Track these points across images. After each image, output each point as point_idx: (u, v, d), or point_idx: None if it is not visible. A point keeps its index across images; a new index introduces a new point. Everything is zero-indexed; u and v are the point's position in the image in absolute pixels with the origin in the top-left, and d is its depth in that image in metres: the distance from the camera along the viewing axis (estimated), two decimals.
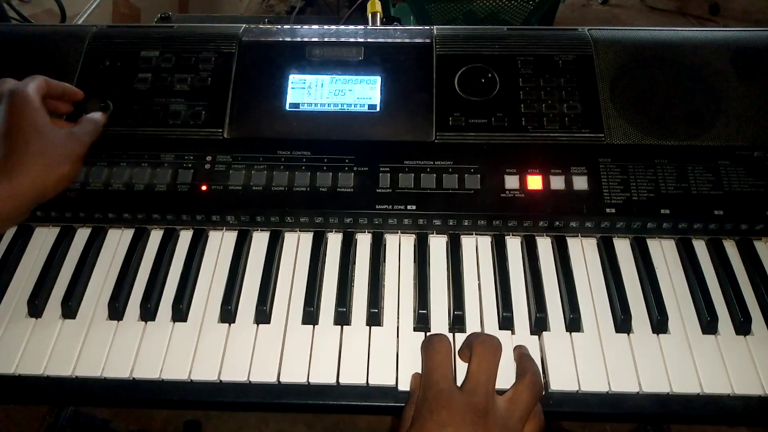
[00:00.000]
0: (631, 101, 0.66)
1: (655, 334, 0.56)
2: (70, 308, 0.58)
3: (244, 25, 0.73)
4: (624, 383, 0.53)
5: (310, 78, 0.68)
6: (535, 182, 0.62)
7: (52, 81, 0.63)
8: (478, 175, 0.62)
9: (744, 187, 0.61)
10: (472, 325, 0.57)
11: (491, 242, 0.63)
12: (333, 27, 0.73)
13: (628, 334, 0.56)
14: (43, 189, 0.57)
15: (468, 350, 0.51)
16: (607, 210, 0.61)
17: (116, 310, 0.58)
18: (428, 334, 0.55)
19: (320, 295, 0.59)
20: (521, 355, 0.53)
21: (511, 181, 0.62)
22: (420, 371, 0.53)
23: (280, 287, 0.60)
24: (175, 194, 0.62)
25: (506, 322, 0.57)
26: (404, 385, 0.53)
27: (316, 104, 0.67)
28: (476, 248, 0.63)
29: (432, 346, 0.50)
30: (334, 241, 0.64)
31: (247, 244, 0.63)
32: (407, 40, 0.71)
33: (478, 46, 0.70)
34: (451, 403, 0.45)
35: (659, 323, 0.56)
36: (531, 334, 0.57)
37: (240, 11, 2.58)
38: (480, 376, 0.47)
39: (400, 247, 0.63)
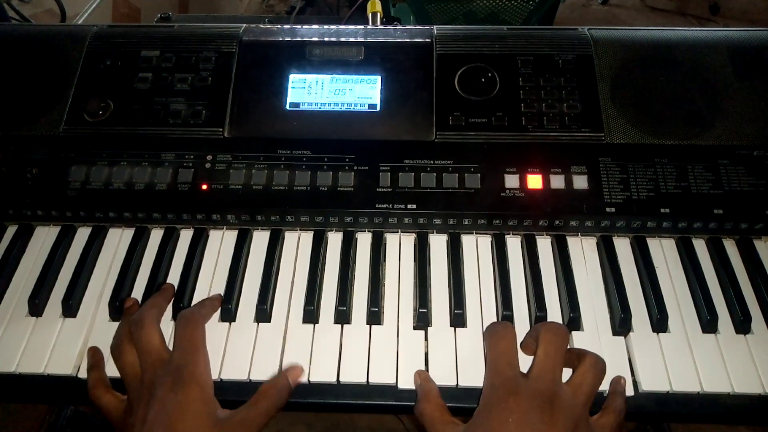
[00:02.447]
0: (631, 101, 0.66)
1: (655, 333, 0.56)
2: (70, 307, 0.58)
3: (245, 25, 0.73)
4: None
5: (310, 77, 0.68)
6: (535, 181, 0.62)
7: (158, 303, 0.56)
8: (478, 175, 0.62)
9: (744, 187, 0.61)
10: (472, 324, 0.57)
11: (491, 241, 0.63)
12: (333, 27, 0.73)
13: (628, 334, 0.56)
14: None
15: (533, 341, 0.51)
16: (607, 209, 0.61)
17: (117, 309, 0.58)
18: (491, 322, 0.55)
19: (320, 294, 0.59)
20: (574, 349, 0.53)
21: (511, 181, 0.62)
22: (419, 369, 0.53)
23: (281, 286, 0.60)
24: (176, 193, 0.62)
25: (506, 321, 0.57)
26: (404, 384, 0.53)
27: (316, 104, 0.67)
28: (476, 247, 0.63)
29: (497, 333, 0.51)
30: (335, 240, 0.64)
31: (248, 244, 0.63)
32: (407, 40, 0.71)
33: (478, 46, 0.70)
34: (518, 389, 0.46)
35: (659, 322, 0.56)
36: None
37: (240, 11, 2.58)
38: (547, 363, 0.48)
39: (400, 246, 0.63)
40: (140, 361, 0.51)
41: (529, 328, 0.57)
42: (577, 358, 0.51)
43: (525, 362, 0.51)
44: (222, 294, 0.59)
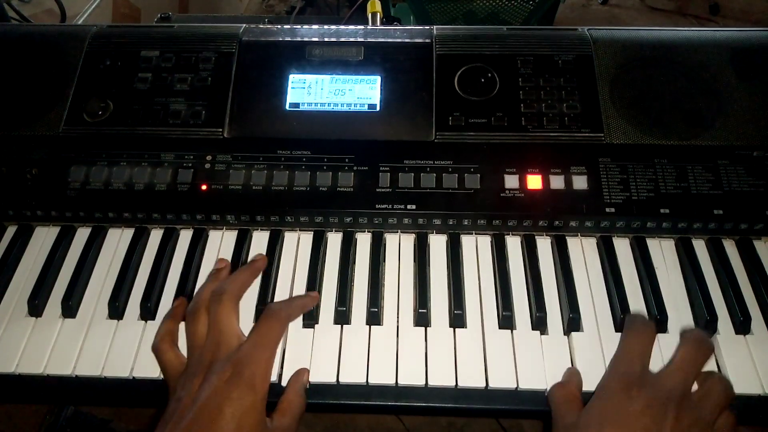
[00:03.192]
0: (630, 101, 0.66)
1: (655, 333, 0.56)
2: (70, 307, 0.58)
3: (244, 25, 0.73)
4: None
5: (310, 78, 0.68)
6: (534, 182, 0.62)
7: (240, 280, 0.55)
8: (478, 175, 0.62)
9: (743, 187, 0.61)
10: (471, 325, 0.57)
11: (491, 242, 0.63)
12: (333, 27, 0.73)
13: None
14: None
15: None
16: (607, 209, 0.61)
17: (116, 309, 0.58)
18: (636, 316, 0.54)
19: (320, 294, 0.59)
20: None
21: (511, 181, 0.62)
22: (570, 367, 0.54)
23: (280, 287, 0.60)
24: (175, 194, 0.62)
25: (506, 322, 0.57)
26: (404, 381, 0.53)
27: (316, 104, 0.67)
28: (476, 247, 0.63)
29: (637, 327, 0.51)
30: (334, 240, 0.64)
31: (247, 244, 0.63)
32: (407, 40, 0.71)
33: (478, 46, 0.70)
34: (644, 382, 0.46)
35: (659, 322, 0.56)
36: (532, 328, 0.57)
37: (240, 11, 2.58)
38: (683, 366, 0.47)
39: (400, 246, 0.63)
40: (208, 335, 0.50)
41: (529, 330, 0.57)
42: (703, 375, 0.50)
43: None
44: (317, 293, 0.58)
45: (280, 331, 0.51)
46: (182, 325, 0.55)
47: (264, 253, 0.62)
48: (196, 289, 0.60)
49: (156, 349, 0.53)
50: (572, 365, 0.54)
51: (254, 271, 0.58)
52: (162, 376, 0.54)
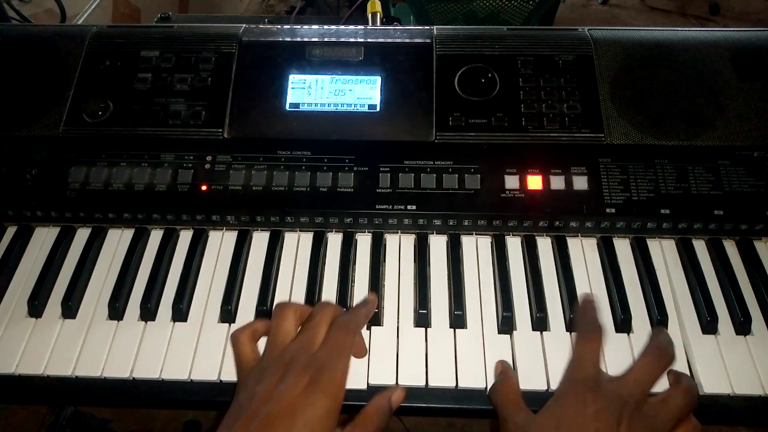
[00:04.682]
0: (631, 101, 0.66)
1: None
2: (70, 308, 0.58)
3: (244, 25, 0.73)
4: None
5: (310, 78, 0.68)
6: (535, 182, 0.62)
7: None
8: (478, 175, 0.62)
9: (744, 187, 0.61)
10: (471, 326, 0.57)
11: (491, 242, 0.63)
12: (333, 27, 0.73)
13: (628, 334, 0.56)
14: None
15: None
16: (607, 210, 0.61)
17: (116, 310, 0.58)
18: (585, 320, 0.53)
19: (320, 295, 0.59)
20: (676, 373, 0.52)
21: (511, 181, 0.62)
22: (501, 359, 0.54)
23: (281, 287, 0.60)
24: (175, 194, 0.62)
25: (506, 322, 0.57)
26: (404, 381, 0.53)
27: (316, 104, 0.67)
28: (476, 248, 0.63)
29: (589, 332, 0.51)
30: (334, 241, 0.64)
31: (248, 244, 0.63)
32: (407, 40, 0.71)
33: (478, 46, 0.70)
34: (598, 387, 0.46)
35: (659, 323, 0.56)
36: (533, 329, 0.57)
37: (240, 11, 2.58)
38: (641, 376, 0.48)
39: (400, 246, 0.63)
40: (299, 336, 0.50)
41: (529, 330, 0.57)
42: (674, 379, 0.51)
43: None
44: (374, 294, 0.57)
45: (351, 341, 0.50)
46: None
47: (264, 253, 0.62)
48: (196, 290, 0.60)
49: (235, 339, 0.52)
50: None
51: (368, 306, 0.56)
52: (162, 377, 0.54)
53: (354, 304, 0.59)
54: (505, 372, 0.53)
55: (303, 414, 0.44)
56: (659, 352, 0.50)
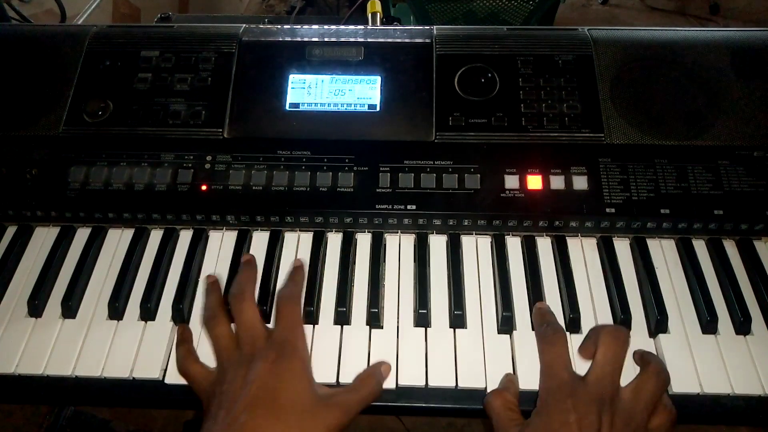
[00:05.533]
0: (631, 101, 0.66)
1: (655, 334, 0.56)
2: (70, 308, 0.58)
3: (244, 25, 0.73)
4: (623, 383, 0.53)
5: (310, 78, 0.68)
6: (535, 182, 0.62)
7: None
8: (478, 175, 0.62)
9: (744, 187, 0.61)
10: (471, 325, 0.57)
11: (491, 242, 0.63)
12: (333, 27, 0.73)
13: None
14: None
15: (592, 344, 0.51)
16: (607, 210, 0.61)
17: (116, 309, 0.58)
18: (544, 326, 0.54)
19: (320, 294, 0.59)
20: (641, 352, 0.53)
21: (511, 181, 0.62)
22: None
23: (281, 287, 0.60)
24: (175, 194, 0.62)
25: (506, 322, 0.57)
26: (404, 381, 0.53)
27: (316, 104, 0.67)
28: (476, 248, 0.63)
29: (548, 339, 0.51)
30: (334, 240, 0.64)
31: (247, 244, 0.63)
32: (407, 40, 0.71)
33: (478, 46, 0.70)
34: (575, 391, 0.46)
35: (659, 323, 0.56)
36: (532, 329, 0.56)
37: (240, 11, 2.58)
38: (605, 367, 0.48)
39: (400, 246, 0.63)
40: (239, 333, 0.52)
41: (529, 330, 0.57)
42: (641, 360, 0.51)
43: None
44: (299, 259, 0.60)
45: (299, 309, 0.54)
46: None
47: (264, 253, 0.62)
48: (196, 290, 0.60)
49: (182, 368, 0.53)
50: (573, 366, 0.54)
51: (251, 268, 0.58)
52: (161, 377, 0.54)
53: (354, 305, 0.59)
54: (504, 381, 0.53)
55: (279, 377, 0.47)
56: (613, 336, 0.50)
